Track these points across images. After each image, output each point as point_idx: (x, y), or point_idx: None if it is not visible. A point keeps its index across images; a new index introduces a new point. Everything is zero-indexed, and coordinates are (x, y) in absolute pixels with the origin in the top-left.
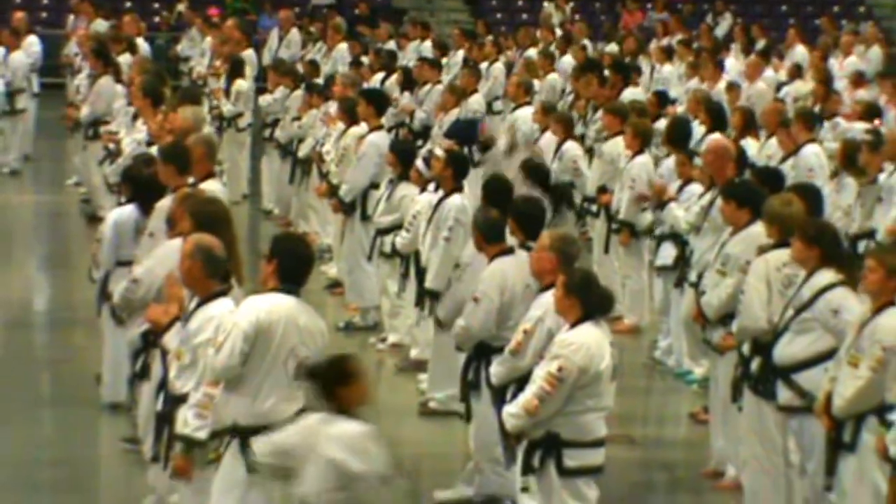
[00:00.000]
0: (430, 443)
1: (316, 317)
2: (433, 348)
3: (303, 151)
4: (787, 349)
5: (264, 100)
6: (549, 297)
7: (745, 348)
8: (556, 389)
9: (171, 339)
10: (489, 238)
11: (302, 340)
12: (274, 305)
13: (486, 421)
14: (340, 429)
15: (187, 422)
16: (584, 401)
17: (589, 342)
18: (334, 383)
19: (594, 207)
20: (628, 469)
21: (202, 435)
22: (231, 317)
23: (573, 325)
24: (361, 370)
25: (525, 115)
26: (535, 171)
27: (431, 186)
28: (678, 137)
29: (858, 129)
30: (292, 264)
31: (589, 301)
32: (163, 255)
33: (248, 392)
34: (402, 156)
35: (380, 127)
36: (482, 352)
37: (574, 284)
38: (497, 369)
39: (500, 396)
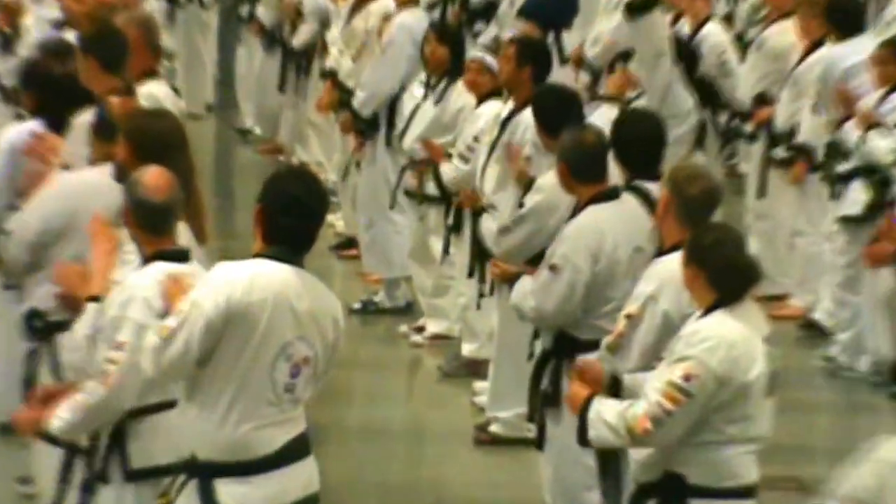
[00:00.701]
0: (491, 484)
1: (326, 297)
2: (497, 344)
3: (299, 39)
4: None
5: None
6: (667, 266)
7: None
8: (681, 408)
9: (83, 326)
10: (581, 173)
11: (301, 333)
12: (257, 279)
13: (567, 452)
14: None
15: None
16: (722, 427)
17: (732, 338)
18: None
19: (747, 127)
20: None
21: (57, 426)
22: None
23: (707, 312)
24: None
25: None
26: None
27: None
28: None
29: None
30: (290, 217)
31: (725, 276)
32: (64, 193)
33: (213, 410)
34: (453, 46)
35: (414, 1)
36: (563, 348)
37: (702, 249)
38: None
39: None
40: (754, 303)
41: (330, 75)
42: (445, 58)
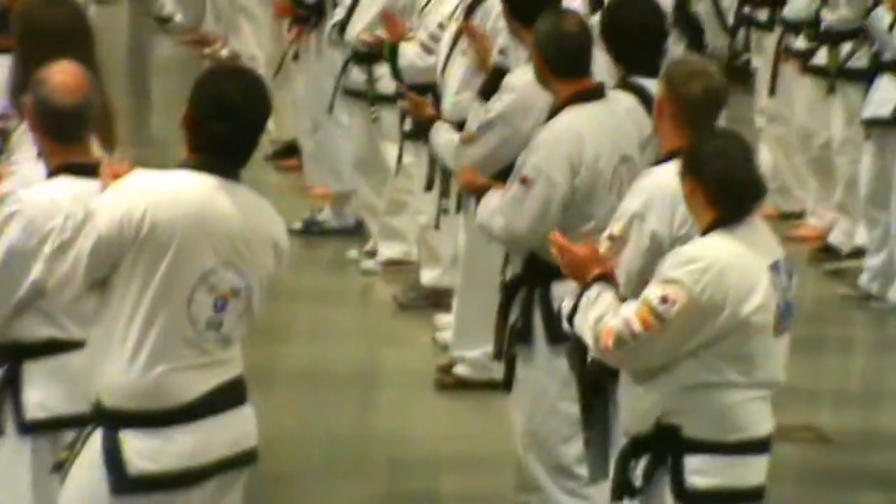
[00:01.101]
0: (456, 435)
1: (265, 216)
2: (462, 270)
3: None
4: None
5: None
6: (658, 178)
7: None
8: (651, 333)
9: None
10: (559, 67)
11: (228, 259)
12: (170, 194)
13: (542, 397)
14: None
15: None
16: (719, 367)
17: (725, 261)
18: None
19: (761, 14)
20: (816, 487)
21: None
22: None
23: (706, 231)
24: None
25: None
26: None
27: None
28: None
29: None
30: (224, 123)
31: (726, 191)
32: None
33: (120, 348)
34: None
35: None
36: (536, 273)
37: (700, 159)
38: (571, 304)
39: (580, 355)
40: (762, 221)
41: None
42: None
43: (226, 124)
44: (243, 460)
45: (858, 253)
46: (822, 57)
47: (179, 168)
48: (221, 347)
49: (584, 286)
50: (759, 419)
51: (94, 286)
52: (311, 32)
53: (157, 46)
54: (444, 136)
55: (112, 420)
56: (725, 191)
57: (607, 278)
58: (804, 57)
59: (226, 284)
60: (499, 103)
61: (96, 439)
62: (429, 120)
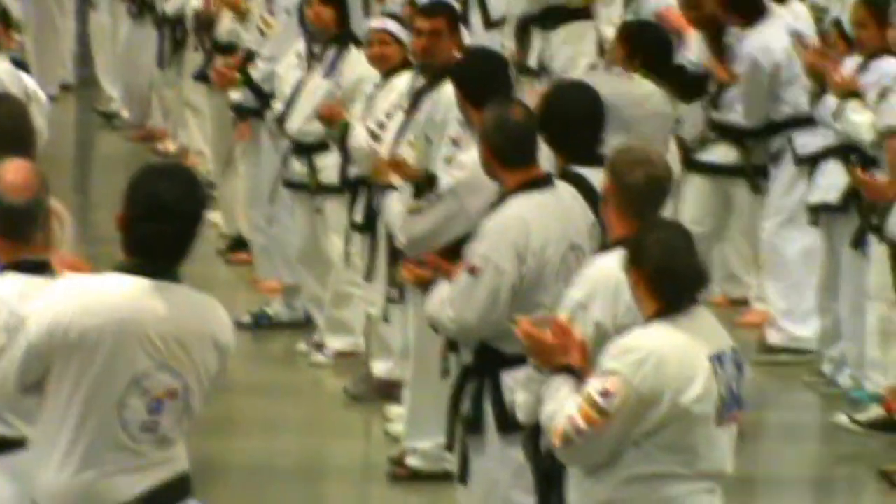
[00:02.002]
0: None
1: (204, 314)
2: (413, 362)
3: (172, 4)
4: None
5: None
6: (602, 267)
7: None
8: (596, 428)
9: None
10: (505, 156)
11: (160, 361)
12: (98, 298)
13: (494, 487)
14: None
15: None
16: (661, 457)
17: (664, 352)
18: None
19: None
20: None
21: None
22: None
23: (649, 320)
24: None
25: None
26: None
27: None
28: None
29: None
30: (154, 223)
31: (666, 281)
32: None
33: (52, 452)
34: (339, 6)
35: None
36: (487, 363)
37: (641, 250)
38: (524, 397)
39: (535, 444)
40: (707, 311)
41: (228, 49)
42: (332, 20)
43: (159, 225)
44: None
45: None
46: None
47: (114, 270)
48: (158, 448)
49: (551, 374)
50: None
51: (29, 389)
52: (256, 127)
53: (103, 142)
54: (397, 205)
55: None
56: (666, 282)
57: (573, 369)
58: None
59: (161, 386)
60: (449, 178)
61: None
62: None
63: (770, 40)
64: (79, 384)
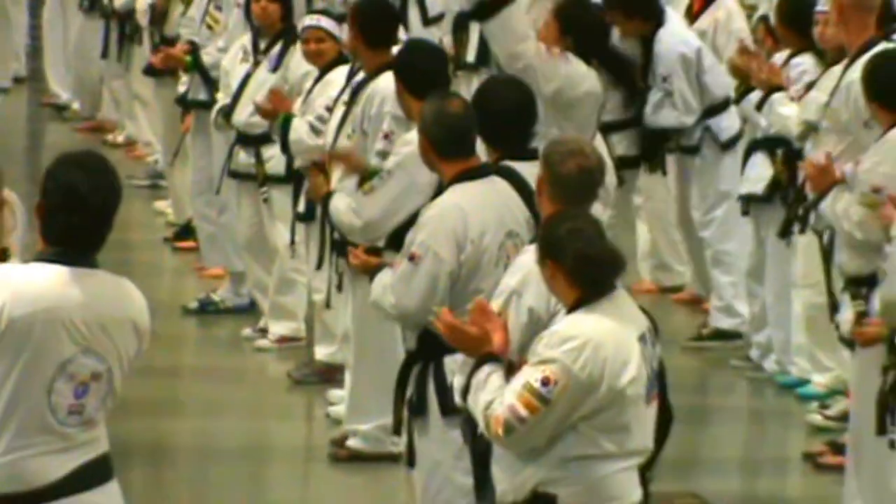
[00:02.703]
0: None
1: (121, 300)
2: (354, 346)
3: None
4: None
5: None
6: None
7: None
8: (537, 416)
9: None
10: (443, 148)
11: (84, 346)
12: (24, 289)
13: (437, 468)
14: None
15: None
16: (596, 439)
17: (599, 337)
18: None
19: None
20: None
21: None
22: None
23: (572, 309)
24: None
25: None
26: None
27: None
28: None
29: None
30: (68, 213)
31: (583, 269)
32: None
33: None
34: (285, 2)
35: None
36: (429, 349)
37: (554, 242)
38: (460, 380)
39: (472, 427)
40: (625, 294)
41: (161, 42)
42: (277, 16)
43: (75, 214)
44: None
45: (722, 335)
46: None
47: (35, 260)
48: (83, 430)
49: (475, 364)
50: (630, 487)
51: None
52: (205, 118)
53: (54, 134)
54: (343, 202)
55: None
56: (587, 269)
57: (497, 357)
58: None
59: (86, 371)
60: (396, 156)
61: None
62: (326, 195)
63: (681, 32)
64: (8, 372)
